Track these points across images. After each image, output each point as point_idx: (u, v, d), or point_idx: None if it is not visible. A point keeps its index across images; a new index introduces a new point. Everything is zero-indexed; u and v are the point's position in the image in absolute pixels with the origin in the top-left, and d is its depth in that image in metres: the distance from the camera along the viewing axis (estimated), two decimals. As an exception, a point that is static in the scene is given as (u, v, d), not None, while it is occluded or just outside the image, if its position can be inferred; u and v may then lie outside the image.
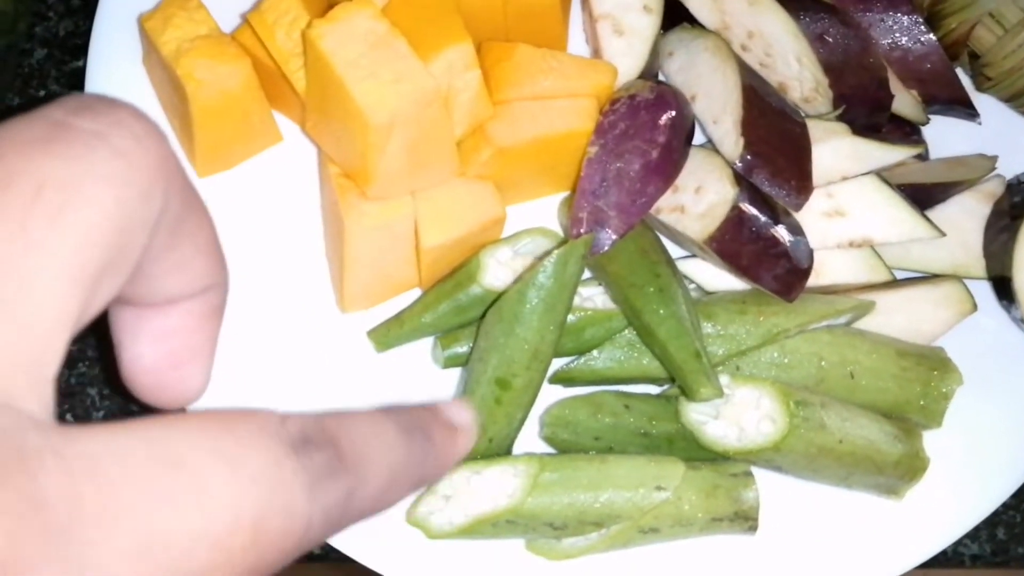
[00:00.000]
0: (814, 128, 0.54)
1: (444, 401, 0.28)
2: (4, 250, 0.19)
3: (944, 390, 0.52)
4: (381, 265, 0.53)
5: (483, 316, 0.52)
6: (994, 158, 0.59)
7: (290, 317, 0.55)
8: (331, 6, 0.52)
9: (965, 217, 0.57)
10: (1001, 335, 0.56)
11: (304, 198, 0.57)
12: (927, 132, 0.59)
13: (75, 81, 0.63)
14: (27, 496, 0.17)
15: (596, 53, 0.59)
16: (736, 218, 0.49)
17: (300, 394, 0.54)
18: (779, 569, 0.52)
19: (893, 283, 0.55)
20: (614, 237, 0.50)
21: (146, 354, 0.25)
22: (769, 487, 0.51)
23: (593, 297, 0.52)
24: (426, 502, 0.50)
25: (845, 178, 0.53)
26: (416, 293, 0.56)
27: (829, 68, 0.55)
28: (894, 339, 0.53)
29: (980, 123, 0.60)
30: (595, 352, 0.52)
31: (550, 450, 0.52)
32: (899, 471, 0.51)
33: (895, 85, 0.57)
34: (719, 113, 0.54)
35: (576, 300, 0.49)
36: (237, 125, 0.55)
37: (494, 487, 0.50)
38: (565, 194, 0.58)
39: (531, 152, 0.54)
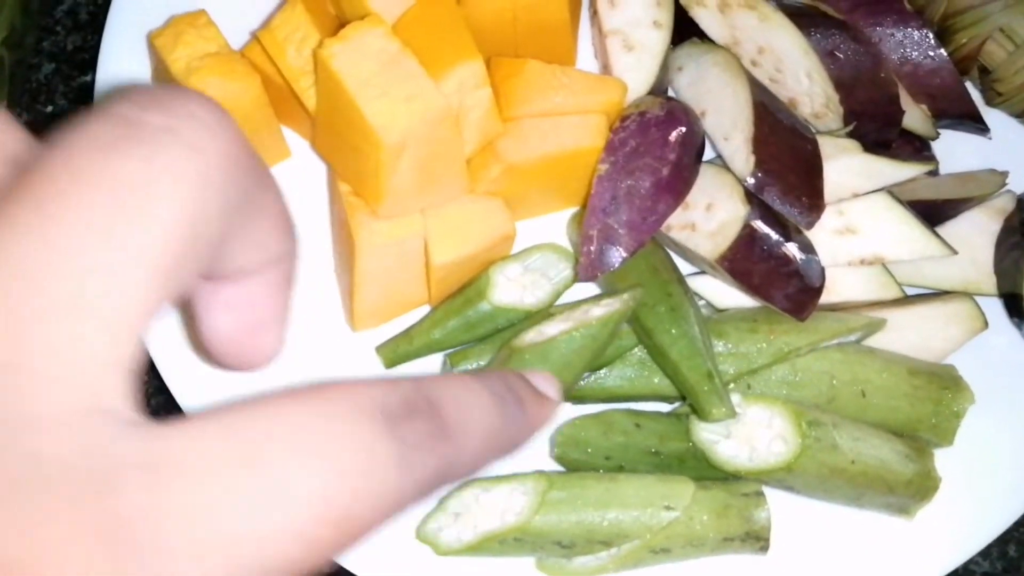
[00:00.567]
0: (825, 145, 0.54)
1: (531, 370, 0.28)
2: (87, 253, 0.19)
3: (956, 408, 0.52)
4: (391, 283, 0.53)
5: (509, 345, 0.51)
6: (1005, 173, 0.58)
7: (299, 333, 0.55)
8: (341, 24, 0.52)
9: (975, 233, 0.57)
10: (1012, 353, 0.56)
11: (313, 214, 0.57)
12: (937, 147, 0.59)
13: (83, 96, 0.63)
14: (110, 515, 0.18)
15: (605, 68, 0.59)
16: (748, 237, 0.49)
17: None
18: (790, 588, 0.52)
19: (904, 300, 0.55)
20: (625, 255, 0.50)
21: (223, 323, 0.26)
22: (780, 506, 0.51)
23: (603, 315, 0.52)
24: (435, 519, 0.50)
25: (856, 195, 0.53)
26: (424, 309, 0.56)
27: (840, 84, 0.55)
28: (905, 357, 0.53)
29: (991, 138, 0.59)
30: (605, 370, 0.52)
31: (560, 468, 0.52)
32: (911, 490, 0.50)
33: (905, 100, 0.57)
34: (729, 130, 0.54)
35: (583, 315, 0.49)
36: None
37: (502, 504, 0.50)
38: (574, 210, 0.57)
39: (541, 169, 0.54)
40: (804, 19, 0.56)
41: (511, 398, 0.25)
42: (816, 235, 0.52)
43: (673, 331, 0.48)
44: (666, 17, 0.57)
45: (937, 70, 0.59)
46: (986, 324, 0.55)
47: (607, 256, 0.50)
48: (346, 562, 0.52)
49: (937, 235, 0.54)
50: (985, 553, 0.56)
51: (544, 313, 0.52)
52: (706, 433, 0.48)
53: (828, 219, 0.52)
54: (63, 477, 0.18)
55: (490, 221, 0.53)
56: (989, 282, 0.56)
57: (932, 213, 0.55)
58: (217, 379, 0.51)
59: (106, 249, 0.20)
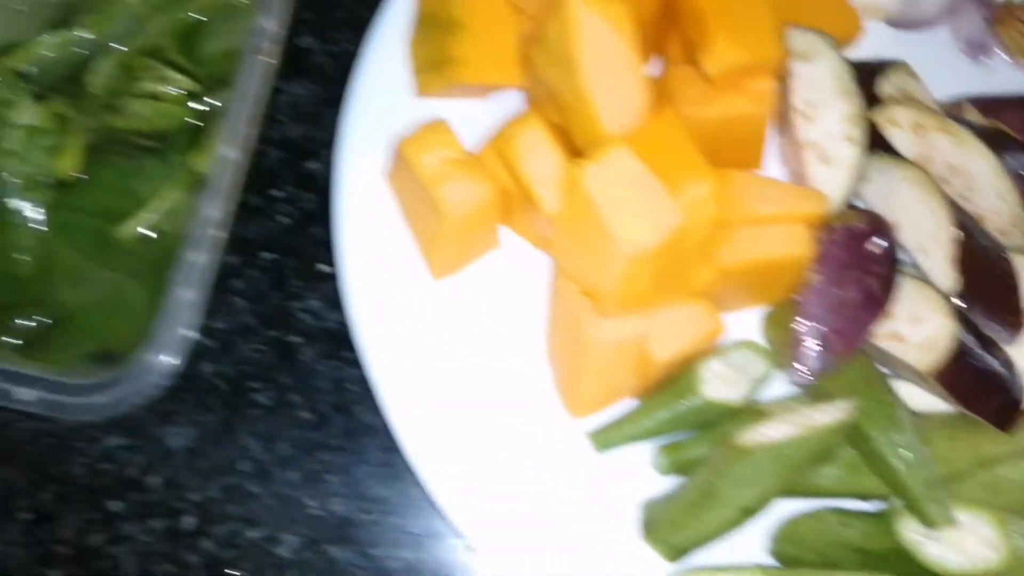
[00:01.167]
0: (1014, 261, 0.58)
1: None
2: None
3: None
4: (612, 376, 0.57)
5: (729, 444, 0.54)
6: None
7: (510, 413, 0.60)
8: (563, 132, 0.57)
9: None
10: None
11: (523, 302, 0.62)
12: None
13: (308, 183, 0.68)
14: None
15: (798, 177, 0.63)
16: (957, 351, 0.53)
17: (520, 489, 0.58)
18: None
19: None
20: (838, 362, 0.54)
21: None
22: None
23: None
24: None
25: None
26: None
27: (1028, 203, 0.59)
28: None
29: None
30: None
31: (776, 563, 0.56)
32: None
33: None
34: (929, 246, 0.57)
35: (806, 420, 0.53)
36: (474, 236, 0.60)
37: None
38: (768, 308, 0.62)
39: (748, 272, 0.58)
40: (992, 141, 0.60)
41: None
42: (1015, 348, 0.55)
43: (893, 438, 0.52)
44: (860, 134, 0.61)
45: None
46: None
47: (822, 362, 0.54)
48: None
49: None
50: None
51: (754, 411, 0.56)
52: (913, 534, 0.52)
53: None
54: None
55: (703, 321, 0.57)
56: None
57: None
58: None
59: None
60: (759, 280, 0.59)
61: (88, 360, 0.53)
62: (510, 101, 0.64)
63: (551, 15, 0.56)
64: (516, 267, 0.62)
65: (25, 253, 0.51)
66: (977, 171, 0.59)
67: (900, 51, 0.67)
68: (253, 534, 0.62)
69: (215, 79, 0.55)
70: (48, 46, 0.53)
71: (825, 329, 0.55)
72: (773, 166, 0.65)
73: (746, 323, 0.61)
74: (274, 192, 0.68)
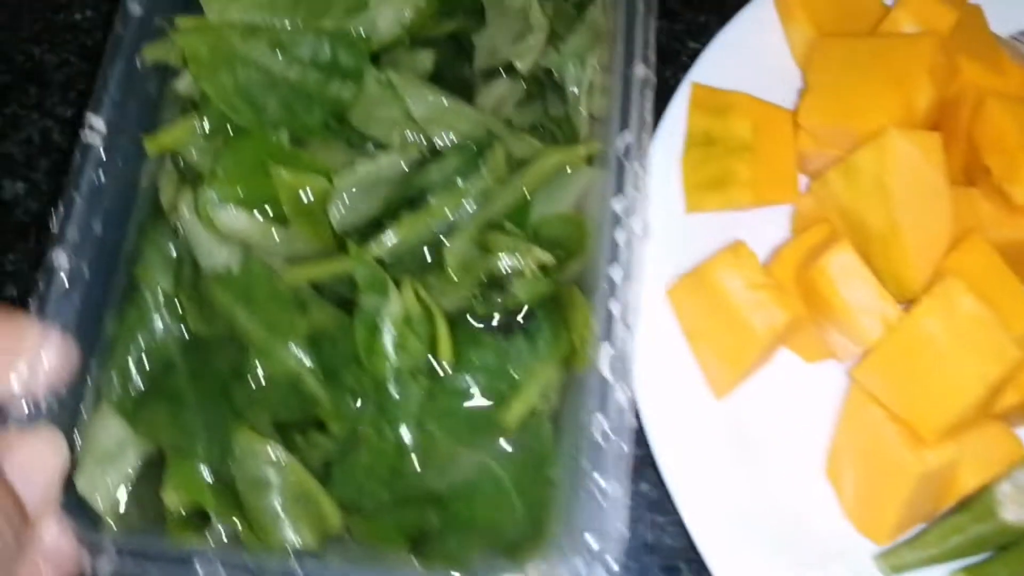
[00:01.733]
0: None
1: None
2: None
3: None
4: (922, 504, 0.57)
5: None
6: None
7: (798, 531, 0.60)
8: (864, 253, 0.57)
9: None
10: None
11: (798, 418, 0.62)
12: None
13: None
14: None
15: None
16: None
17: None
18: None
19: None
20: None
21: None
22: None
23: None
24: None
25: None
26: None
27: None
28: None
29: None
30: None
31: None
32: None
33: None
34: None
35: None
36: (766, 354, 0.60)
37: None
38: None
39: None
40: None
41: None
42: None
43: None
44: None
45: None
46: None
47: None
48: None
49: None
50: None
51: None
52: None
53: None
54: None
55: (1007, 445, 0.58)
56: None
57: None
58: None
59: None
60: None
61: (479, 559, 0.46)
62: (769, 214, 0.65)
63: (864, 145, 0.57)
64: (793, 382, 0.63)
65: (413, 450, 0.47)
66: None
67: None
68: None
69: (553, 244, 0.51)
70: (406, 230, 0.50)
71: None
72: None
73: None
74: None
